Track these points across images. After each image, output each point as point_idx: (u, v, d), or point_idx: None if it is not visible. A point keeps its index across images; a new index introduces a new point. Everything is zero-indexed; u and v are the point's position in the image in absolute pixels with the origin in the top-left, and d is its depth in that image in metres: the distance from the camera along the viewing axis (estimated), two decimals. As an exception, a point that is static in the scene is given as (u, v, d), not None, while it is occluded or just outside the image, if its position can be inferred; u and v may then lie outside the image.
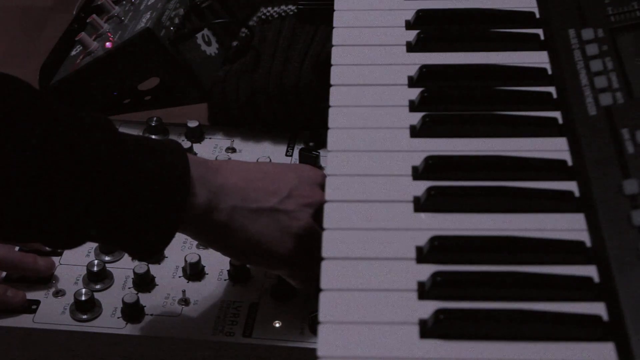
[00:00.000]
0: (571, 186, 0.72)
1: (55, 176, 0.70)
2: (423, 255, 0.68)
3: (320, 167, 1.02)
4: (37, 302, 0.88)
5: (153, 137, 1.06)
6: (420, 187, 0.72)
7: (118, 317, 0.87)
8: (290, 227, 0.79)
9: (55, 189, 0.70)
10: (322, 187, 0.81)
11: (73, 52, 1.11)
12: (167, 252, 0.93)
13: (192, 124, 1.07)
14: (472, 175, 0.73)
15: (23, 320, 0.87)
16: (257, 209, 0.78)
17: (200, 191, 0.76)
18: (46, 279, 0.90)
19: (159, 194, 0.74)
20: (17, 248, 0.93)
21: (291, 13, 1.08)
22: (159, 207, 0.74)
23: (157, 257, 0.91)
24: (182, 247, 0.94)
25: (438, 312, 0.63)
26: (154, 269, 0.91)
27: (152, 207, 0.74)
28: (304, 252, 0.80)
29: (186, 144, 1.04)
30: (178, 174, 0.75)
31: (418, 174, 0.74)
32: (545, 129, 0.77)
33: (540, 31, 0.87)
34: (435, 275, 0.65)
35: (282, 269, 0.84)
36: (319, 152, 1.02)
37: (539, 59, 0.84)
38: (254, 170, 0.81)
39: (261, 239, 0.79)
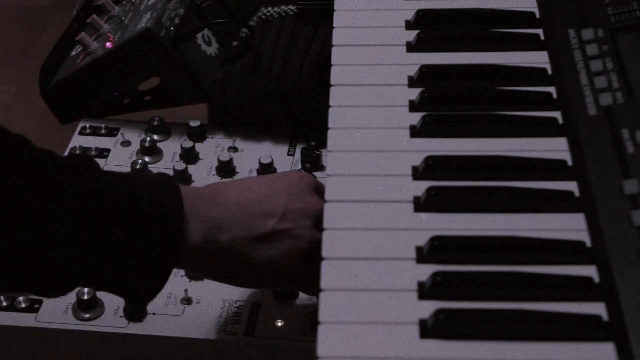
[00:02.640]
0: (571, 186, 0.72)
1: (39, 226, 0.68)
2: (423, 255, 0.68)
3: (322, 167, 1.02)
4: (40, 301, 0.88)
5: (153, 138, 1.06)
6: (420, 187, 0.72)
7: (120, 317, 0.87)
8: (293, 246, 0.77)
9: (40, 239, 0.68)
10: (315, 191, 0.80)
11: (73, 52, 1.12)
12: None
13: (194, 123, 1.07)
14: (472, 175, 0.73)
15: (25, 319, 0.87)
16: (258, 235, 0.76)
17: (195, 227, 0.73)
18: None
19: (151, 237, 0.71)
20: None
21: (291, 13, 1.08)
22: (152, 251, 0.71)
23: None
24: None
25: (438, 312, 0.63)
26: (155, 269, 0.91)
27: (144, 251, 0.71)
28: (312, 264, 0.78)
29: (188, 143, 1.04)
30: (171, 213, 0.72)
31: (418, 174, 0.74)
32: (545, 129, 0.77)
33: (540, 31, 0.87)
34: (435, 275, 0.65)
35: (294, 286, 0.84)
36: (320, 152, 1.02)
37: (539, 59, 0.84)
38: (246, 192, 0.78)
39: (267, 264, 0.77)
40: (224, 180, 1.01)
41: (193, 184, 1.01)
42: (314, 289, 0.82)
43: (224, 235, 0.75)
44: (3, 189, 0.67)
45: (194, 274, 0.90)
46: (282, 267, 0.77)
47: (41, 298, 0.87)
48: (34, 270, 0.69)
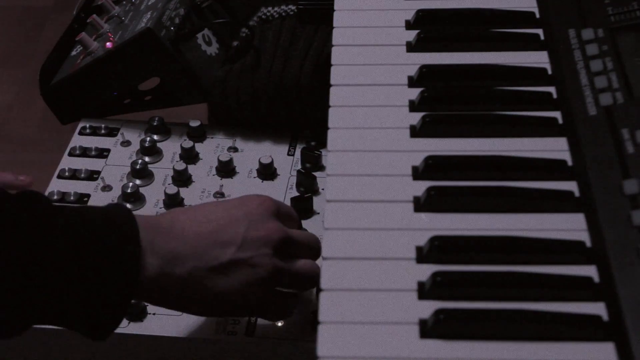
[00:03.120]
0: (571, 186, 0.72)
1: None
2: (423, 255, 0.68)
3: (322, 167, 1.02)
4: (39, 302, 0.88)
5: (153, 138, 1.06)
6: (420, 187, 0.72)
7: (120, 317, 0.87)
8: (252, 275, 0.75)
9: None
10: (276, 216, 0.78)
11: (73, 52, 1.12)
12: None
13: (194, 123, 1.07)
14: (472, 175, 0.73)
15: (25, 320, 0.87)
16: (216, 266, 0.75)
17: (151, 260, 0.72)
18: None
19: (107, 272, 0.70)
20: None
21: (291, 13, 1.08)
22: (108, 287, 0.70)
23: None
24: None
25: (438, 312, 0.63)
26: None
27: (100, 288, 0.70)
28: (272, 292, 0.78)
29: (188, 143, 1.04)
30: (127, 248, 0.71)
31: (418, 174, 0.74)
32: (545, 129, 0.77)
33: (540, 31, 0.87)
34: (435, 275, 0.65)
35: (255, 315, 0.84)
36: (320, 152, 1.02)
37: (539, 59, 0.84)
38: (204, 221, 0.76)
39: (226, 294, 0.75)
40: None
41: (193, 185, 1.01)
42: (276, 316, 0.82)
43: (181, 267, 0.74)
44: None
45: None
46: (241, 297, 0.76)
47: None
48: None
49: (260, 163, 1.02)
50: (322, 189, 0.99)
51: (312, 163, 1.02)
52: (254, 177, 1.02)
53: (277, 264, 0.76)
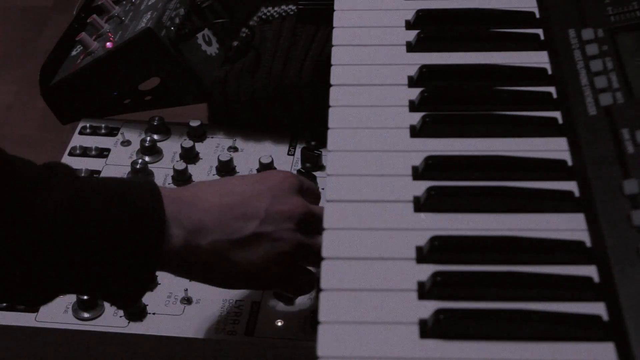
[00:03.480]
0: (571, 186, 0.72)
1: (18, 236, 0.67)
2: (423, 255, 0.68)
3: (322, 167, 1.02)
4: (39, 302, 0.88)
5: (153, 138, 1.06)
6: (420, 187, 0.72)
7: (120, 316, 0.87)
8: (275, 249, 0.76)
9: (22, 247, 0.68)
10: (299, 192, 0.79)
11: (73, 52, 1.12)
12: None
13: (194, 123, 1.07)
14: (472, 175, 0.73)
15: (25, 319, 0.87)
16: (239, 239, 0.75)
17: (176, 232, 0.73)
18: None
19: (133, 242, 0.71)
20: None
21: (292, 13, 1.08)
22: (134, 256, 0.71)
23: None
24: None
25: (438, 312, 0.63)
26: (156, 269, 0.91)
27: (126, 257, 0.71)
28: (294, 266, 0.79)
29: (188, 143, 1.04)
30: (152, 219, 0.71)
31: (418, 174, 0.74)
32: (545, 129, 0.77)
33: (540, 31, 0.87)
34: (435, 275, 0.65)
35: (273, 288, 0.84)
36: (320, 152, 1.02)
37: (539, 59, 0.84)
38: (228, 194, 0.77)
39: (248, 267, 0.76)
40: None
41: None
42: (298, 291, 0.83)
43: (205, 239, 0.74)
44: None
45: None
46: (262, 271, 0.77)
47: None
48: (18, 279, 0.69)
49: (260, 163, 1.02)
50: (322, 189, 0.99)
51: (312, 163, 1.02)
52: (254, 177, 1.02)
53: (299, 239, 0.77)
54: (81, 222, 0.69)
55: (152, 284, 0.74)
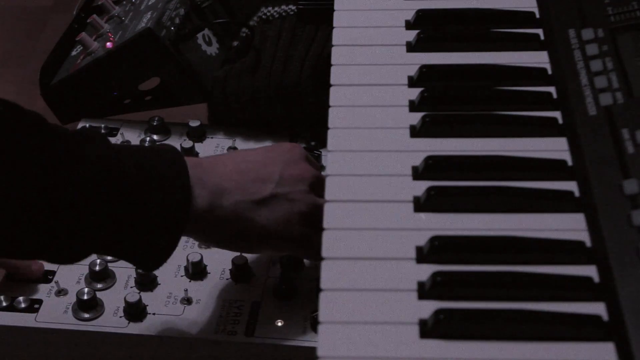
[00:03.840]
0: (571, 186, 0.72)
1: (54, 191, 0.70)
2: (423, 255, 0.68)
3: (322, 167, 1.02)
4: (40, 302, 0.88)
5: (153, 138, 1.06)
6: (420, 187, 0.72)
7: (120, 317, 0.87)
8: (292, 208, 0.81)
9: (55, 204, 0.71)
10: (305, 158, 0.84)
11: (73, 52, 1.12)
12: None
13: (194, 123, 1.07)
14: (472, 175, 0.73)
15: (25, 320, 0.87)
16: (258, 200, 0.80)
17: (200, 193, 0.77)
18: (39, 280, 0.90)
19: (160, 203, 0.74)
20: None
21: (292, 13, 1.08)
22: (162, 216, 0.74)
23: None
24: (184, 247, 0.94)
25: (438, 312, 0.63)
26: (156, 269, 0.91)
27: (154, 217, 0.74)
28: (311, 226, 0.81)
29: (188, 143, 1.04)
30: (178, 180, 0.75)
31: (418, 174, 0.74)
32: (545, 129, 0.77)
33: (540, 31, 0.87)
34: (435, 275, 0.65)
35: (295, 250, 0.85)
36: (320, 152, 1.02)
37: (539, 59, 0.84)
38: (242, 161, 0.82)
39: (269, 227, 0.80)
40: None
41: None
42: (316, 254, 0.83)
43: (227, 200, 0.78)
44: (21, 162, 0.70)
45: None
46: (283, 231, 0.80)
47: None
48: (50, 237, 0.72)
49: (260, 163, 1.02)
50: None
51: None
52: (254, 177, 1.02)
53: (314, 199, 0.82)
54: (116, 180, 0.72)
55: (176, 247, 0.77)
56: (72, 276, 0.91)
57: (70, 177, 0.71)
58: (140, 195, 0.74)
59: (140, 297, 0.87)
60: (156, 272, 0.91)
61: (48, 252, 0.74)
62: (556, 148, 0.76)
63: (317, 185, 0.82)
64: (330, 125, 0.79)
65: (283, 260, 0.91)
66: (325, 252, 0.68)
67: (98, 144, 0.74)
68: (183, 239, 0.93)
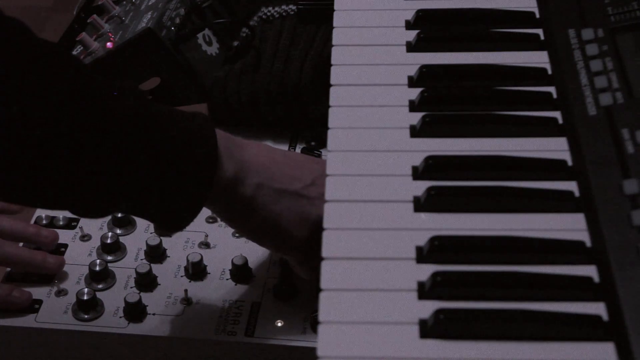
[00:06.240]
0: (571, 186, 0.72)
1: (84, 141, 0.70)
2: (423, 255, 0.68)
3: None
4: (40, 302, 0.88)
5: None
6: (420, 187, 0.72)
7: (120, 317, 0.87)
8: (310, 214, 0.80)
9: (84, 155, 0.70)
10: None
11: (74, 53, 1.11)
12: (169, 251, 0.94)
13: (193, 123, 1.07)
14: (472, 175, 0.73)
15: (25, 320, 0.87)
16: (281, 190, 0.80)
17: (227, 164, 0.76)
18: (50, 277, 0.90)
19: (188, 164, 0.74)
20: (21, 244, 0.93)
21: (292, 13, 1.08)
22: (188, 177, 0.74)
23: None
24: (183, 247, 0.94)
25: (438, 312, 0.63)
26: (156, 269, 0.91)
27: (181, 177, 0.74)
28: (318, 240, 0.80)
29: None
30: (206, 145, 0.75)
31: (418, 174, 0.74)
32: (545, 129, 0.77)
33: (540, 31, 0.87)
34: (435, 275, 0.65)
35: (295, 254, 0.84)
36: (320, 152, 1.02)
37: (539, 59, 0.84)
38: (278, 153, 0.82)
39: (280, 220, 0.80)
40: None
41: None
42: (314, 272, 0.83)
43: (251, 178, 0.78)
44: (56, 112, 0.68)
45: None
46: (291, 229, 0.80)
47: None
48: (77, 186, 0.71)
49: (260, 163, 1.02)
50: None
51: (312, 163, 1.02)
52: (254, 177, 1.02)
53: None
54: (147, 132, 0.72)
55: (199, 210, 0.77)
56: (72, 276, 0.91)
57: (100, 124, 0.70)
58: (170, 153, 0.73)
59: (140, 297, 0.87)
60: (156, 273, 0.91)
61: (72, 201, 0.73)
62: (556, 148, 0.76)
63: None
64: (330, 125, 0.79)
65: (283, 261, 0.91)
66: (325, 252, 0.68)
67: (133, 95, 0.73)
68: (183, 238, 0.94)
